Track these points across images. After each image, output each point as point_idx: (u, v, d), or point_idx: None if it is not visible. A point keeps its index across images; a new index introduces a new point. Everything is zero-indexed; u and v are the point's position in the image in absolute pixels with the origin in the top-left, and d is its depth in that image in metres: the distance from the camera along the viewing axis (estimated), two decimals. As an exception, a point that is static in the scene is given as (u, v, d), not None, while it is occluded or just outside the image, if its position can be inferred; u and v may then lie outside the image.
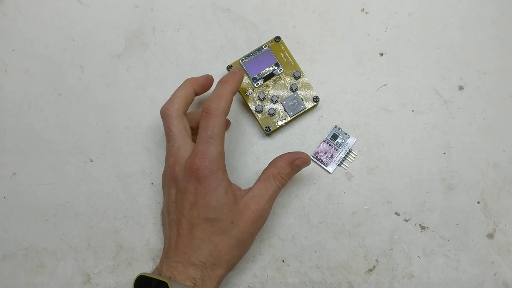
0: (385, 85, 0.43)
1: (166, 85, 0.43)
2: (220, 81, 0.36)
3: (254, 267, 0.40)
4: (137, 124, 0.43)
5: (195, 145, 0.34)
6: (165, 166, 0.37)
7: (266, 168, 0.37)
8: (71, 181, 0.42)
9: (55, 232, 0.41)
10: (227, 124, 0.41)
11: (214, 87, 0.36)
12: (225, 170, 0.35)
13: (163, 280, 0.32)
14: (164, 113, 0.36)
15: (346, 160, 0.41)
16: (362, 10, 0.44)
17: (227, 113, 0.34)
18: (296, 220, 0.41)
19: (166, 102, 0.36)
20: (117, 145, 0.43)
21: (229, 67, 0.41)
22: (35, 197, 0.42)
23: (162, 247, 0.41)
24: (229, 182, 0.35)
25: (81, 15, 0.45)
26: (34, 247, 0.41)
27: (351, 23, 0.44)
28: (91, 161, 0.42)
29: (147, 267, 0.41)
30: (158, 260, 0.41)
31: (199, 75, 0.39)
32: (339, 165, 0.41)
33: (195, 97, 0.38)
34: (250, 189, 0.36)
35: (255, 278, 0.40)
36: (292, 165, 0.36)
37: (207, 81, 0.38)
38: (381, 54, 0.43)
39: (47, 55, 0.44)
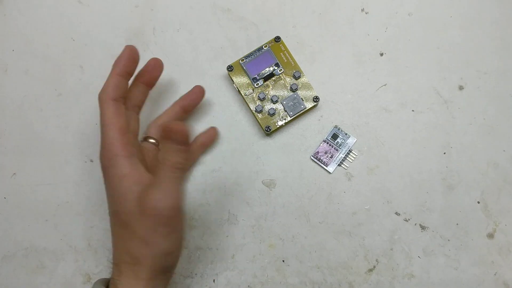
0: (385, 85, 0.43)
1: (165, 85, 0.43)
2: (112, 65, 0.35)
3: (254, 267, 0.40)
4: (137, 124, 0.43)
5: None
6: None
7: (160, 161, 0.31)
8: (71, 181, 0.42)
9: (55, 232, 0.41)
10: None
11: None
12: (128, 155, 0.32)
13: (93, 284, 0.32)
14: (99, 99, 0.33)
15: (346, 160, 0.41)
16: (362, 10, 0.44)
17: (115, 97, 0.33)
18: (296, 220, 0.41)
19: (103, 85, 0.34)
20: (117, 145, 0.43)
21: (229, 68, 0.41)
22: (35, 197, 0.42)
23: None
24: (134, 167, 0.32)
25: (81, 15, 0.45)
26: (34, 247, 0.41)
27: (351, 23, 0.44)
28: (91, 161, 0.42)
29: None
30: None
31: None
32: (339, 165, 0.41)
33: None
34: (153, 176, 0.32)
35: (255, 278, 0.40)
36: (166, 136, 0.29)
37: (129, 60, 0.35)
38: (381, 54, 0.43)
39: (47, 55, 0.44)
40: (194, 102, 0.41)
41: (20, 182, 0.42)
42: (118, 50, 0.44)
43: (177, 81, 0.43)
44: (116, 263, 0.31)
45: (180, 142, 0.29)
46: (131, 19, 0.44)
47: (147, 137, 0.39)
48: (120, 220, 0.31)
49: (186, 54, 0.44)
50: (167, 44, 0.44)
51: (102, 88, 0.33)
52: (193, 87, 0.41)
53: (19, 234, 0.42)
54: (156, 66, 0.38)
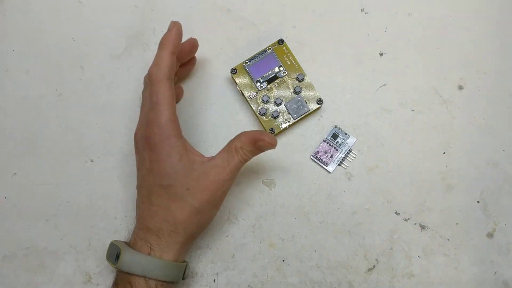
0: (385, 85, 0.43)
1: (166, 85, 0.43)
2: (159, 44, 0.35)
3: (254, 267, 0.40)
4: (137, 124, 0.43)
5: (144, 114, 0.35)
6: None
7: (232, 140, 0.35)
8: (71, 181, 0.42)
9: (55, 232, 0.42)
10: (179, 93, 0.42)
11: None
12: (179, 136, 0.34)
13: (117, 245, 0.34)
14: (150, 77, 0.34)
15: (346, 159, 0.41)
16: (362, 10, 0.44)
17: (170, 76, 0.34)
18: (296, 220, 0.41)
19: (153, 63, 0.35)
20: (117, 145, 0.43)
21: (233, 70, 0.41)
22: (36, 197, 0.42)
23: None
24: (185, 147, 0.34)
25: (82, 15, 0.45)
26: (34, 247, 0.41)
27: (351, 23, 0.44)
28: (92, 161, 0.43)
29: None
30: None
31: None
32: (339, 164, 0.41)
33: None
34: (212, 158, 0.35)
35: (255, 278, 0.40)
36: (255, 145, 0.34)
37: (179, 38, 0.36)
38: (381, 54, 0.43)
39: (47, 55, 0.44)
40: (190, 54, 0.40)
41: (20, 182, 0.42)
42: (118, 50, 0.44)
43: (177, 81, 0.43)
44: (154, 230, 0.34)
45: (263, 150, 0.35)
46: (131, 19, 0.45)
47: None
48: (169, 193, 0.33)
49: (186, 54, 0.44)
50: (167, 44, 0.44)
51: (156, 66, 0.34)
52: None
53: (20, 234, 0.42)
54: (194, 47, 0.40)
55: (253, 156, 0.35)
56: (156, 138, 0.33)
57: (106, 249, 0.35)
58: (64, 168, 0.42)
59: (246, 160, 0.35)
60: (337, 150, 0.41)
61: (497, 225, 0.40)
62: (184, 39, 0.44)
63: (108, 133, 0.43)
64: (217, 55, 0.44)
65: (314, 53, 0.43)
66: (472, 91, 0.42)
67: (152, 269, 0.33)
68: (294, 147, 0.42)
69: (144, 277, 0.33)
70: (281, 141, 0.42)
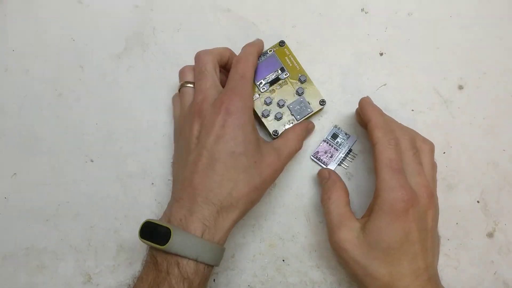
0: (385, 84, 0.43)
1: (166, 85, 0.43)
2: (245, 45, 0.39)
3: (254, 267, 0.40)
4: (137, 124, 0.43)
5: (227, 84, 0.36)
6: (186, 106, 0.37)
7: (285, 130, 0.39)
8: (71, 181, 0.42)
9: (55, 232, 0.42)
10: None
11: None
12: (252, 111, 0.36)
13: (166, 225, 0.31)
14: (202, 56, 0.38)
15: (346, 159, 0.41)
16: (362, 10, 0.44)
17: (255, 66, 0.38)
18: (296, 220, 0.41)
19: (204, 50, 0.38)
20: (117, 145, 0.43)
21: None
22: (36, 197, 0.42)
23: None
24: (255, 125, 0.36)
25: (81, 15, 0.45)
26: (34, 247, 0.41)
27: (351, 23, 0.44)
28: (92, 161, 0.43)
29: (147, 267, 0.41)
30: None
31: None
32: (339, 164, 0.41)
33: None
34: (272, 141, 0.38)
35: (255, 278, 0.40)
36: (306, 129, 0.39)
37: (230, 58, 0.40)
38: (381, 54, 0.43)
39: (47, 55, 0.44)
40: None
41: (20, 182, 0.42)
42: (118, 50, 0.44)
43: (177, 81, 0.43)
44: (216, 203, 0.32)
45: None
46: (131, 19, 0.45)
47: (186, 82, 0.39)
48: (239, 162, 0.33)
49: (186, 54, 0.44)
50: (167, 44, 0.44)
51: (244, 64, 0.36)
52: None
53: (20, 234, 0.42)
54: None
55: (303, 141, 0.40)
56: (239, 105, 0.34)
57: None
58: (64, 168, 0.42)
59: (300, 147, 0.39)
60: (337, 150, 0.41)
61: (497, 225, 0.40)
62: (184, 39, 0.44)
63: (108, 133, 0.43)
64: (217, 55, 0.44)
65: (314, 53, 0.43)
66: (472, 91, 0.42)
67: (205, 252, 0.31)
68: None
69: (196, 260, 0.31)
70: (281, 141, 0.42)
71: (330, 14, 0.44)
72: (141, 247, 0.41)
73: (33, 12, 0.45)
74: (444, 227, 0.40)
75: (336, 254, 0.36)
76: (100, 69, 0.44)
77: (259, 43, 0.40)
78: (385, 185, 0.33)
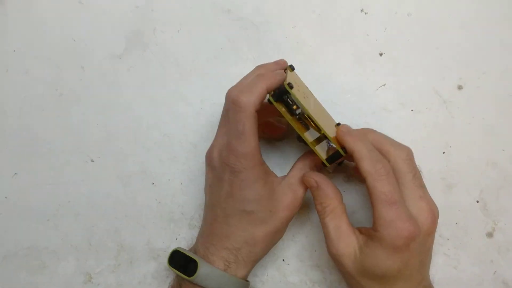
0: (384, 85, 0.43)
1: (166, 85, 0.43)
2: (258, 74, 0.34)
3: (254, 267, 0.40)
4: (137, 124, 0.43)
5: (228, 138, 0.33)
6: (210, 145, 0.36)
7: (299, 159, 0.37)
8: (72, 181, 0.42)
9: (56, 232, 0.42)
10: (280, 130, 0.41)
11: (248, 73, 0.35)
12: (262, 162, 0.34)
13: (193, 257, 0.33)
14: (240, 102, 0.32)
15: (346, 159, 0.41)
16: (362, 10, 0.44)
17: (257, 108, 0.32)
18: (297, 219, 0.41)
19: (244, 89, 0.32)
20: (117, 145, 0.43)
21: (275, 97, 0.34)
22: (36, 197, 0.42)
23: (163, 247, 0.41)
24: (267, 172, 0.34)
25: (82, 15, 0.45)
26: (35, 247, 0.41)
27: (350, 23, 0.44)
28: (92, 161, 0.43)
29: (148, 267, 0.41)
30: (159, 259, 0.41)
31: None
32: (339, 164, 0.41)
33: None
34: (285, 176, 0.36)
35: (255, 277, 0.40)
36: (313, 161, 0.37)
37: (279, 83, 0.33)
38: (381, 54, 0.43)
39: (48, 55, 0.44)
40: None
41: (21, 182, 0.42)
42: (118, 50, 0.44)
43: (177, 81, 0.44)
44: (232, 249, 0.34)
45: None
46: (132, 20, 0.45)
47: None
48: (251, 218, 0.33)
49: (186, 54, 0.44)
50: (167, 44, 0.44)
51: (248, 93, 0.32)
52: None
53: (20, 234, 0.42)
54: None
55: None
56: (241, 167, 0.32)
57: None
58: (64, 168, 0.42)
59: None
60: (337, 150, 0.41)
61: (497, 224, 0.40)
62: (184, 40, 0.44)
63: (108, 133, 0.43)
64: (217, 55, 0.44)
65: (314, 53, 0.43)
66: (472, 91, 0.42)
67: (228, 286, 0.33)
68: (294, 147, 0.42)
69: None
70: (281, 140, 0.42)
71: (330, 15, 0.44)
72: (142, 247, 0.41)
73: (33, 13, 0.45)
74: (444, 227, 0.40)
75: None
76: (101, 69, 0.44)
77: (275, 76, 0.33)
78: (382, 222, 0.31)
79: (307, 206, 0.41)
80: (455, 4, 0.44)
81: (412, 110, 0.42)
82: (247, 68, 0.43)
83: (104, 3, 0.45)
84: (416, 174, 0.33)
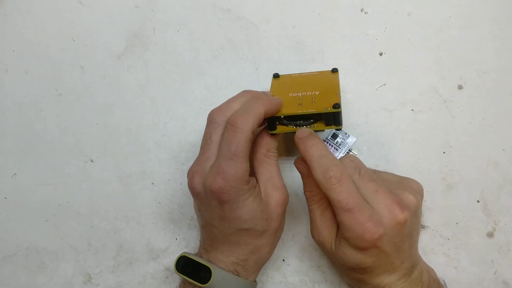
0: (384, 84, 0.43)
1: (166, 85, 0.43)
2: (254, 96, 0.34)
3: (254, 267, 0.40)
4: (137, 124, 0.43)
5: (217, 161, 0.32)
6: (190, 168, 0.34)
7: (254, 153, 0.35)
8: (71, 181, 0.42)
9: (55, 232, 0.42)
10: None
11: (233, 96, 0.35)
12: (249, 180, 0.33)
13: (205, 264, 0.33)
14: (238, 123, 0.32)
15: (346, 159, 0.41)
16: (362, 10, 0.44)
17: (253, 131, 0.32)
18: (297, 220, 0.41)
19: (242, 110, 0.32)
20: (117, 145, 0.43)
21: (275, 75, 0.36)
22: (36, 197, 0.42)
23: (162, 247, 0.41)
24: (252, 185, 0.33)
25: (82, 15, 0.45)
26: (34, 247, 0.41)
27: (350, 23, 0.44)
28: (92, 161, 0.43)
29: (147, 267, 0.41)
30: (159, 260, 0.41)
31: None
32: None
33: None
34: (257, 177, 0.35)
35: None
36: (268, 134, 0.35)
37: (276, 108, 0.34)
38: (381, 54, 0.43)
39: (47, 55, 0.44)
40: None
41: (20, 182, 0.42)
42: (118, 50, 0.44)
43: (177, 81, 0.44)
44: (238, 262, 0.34)
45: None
46: (132, 20, 0.45)
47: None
48: (250, 233, 0.33)
49: (186, 54, 0.44)
50: (167, 44, 0.44)
51: (246, 115, 0.32)
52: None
53: (20, 234, 0.42)
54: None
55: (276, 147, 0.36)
56: (231, 192, 0.31)
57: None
58: (64, 168, 0.42)
59: (277, 156, 0.36)
60: (337, 150, 0.41)
61: (497, 224, 0.40)
62: (184, 39, 0.44)
63: (108, 133, 0.43)
64: (217, 55, 0.44)
65: (314, 53, 0.43)
66: (472, 91, 0.42)
67: None
68: (294, 147, 0.42)
69: None
70: (282, 140, 0.42)
71: (330, 14, 0.44)
72: (141, 247, 0.41)
73: (33, 12, 0.45)
74: (444, 227, 0.40)
75: None
76: (100, 69, 0.44)
77: (273, 101, 0.34)
78: (343, 227, 0.31)
79: (307, 206, 0.41)
80: (455, 4, 0.44)
81: (412, 110, 0.42)
82: (247, 68, 0.43)
83: (104, 3, 0.45)
84: (362, 170, 0.34)
